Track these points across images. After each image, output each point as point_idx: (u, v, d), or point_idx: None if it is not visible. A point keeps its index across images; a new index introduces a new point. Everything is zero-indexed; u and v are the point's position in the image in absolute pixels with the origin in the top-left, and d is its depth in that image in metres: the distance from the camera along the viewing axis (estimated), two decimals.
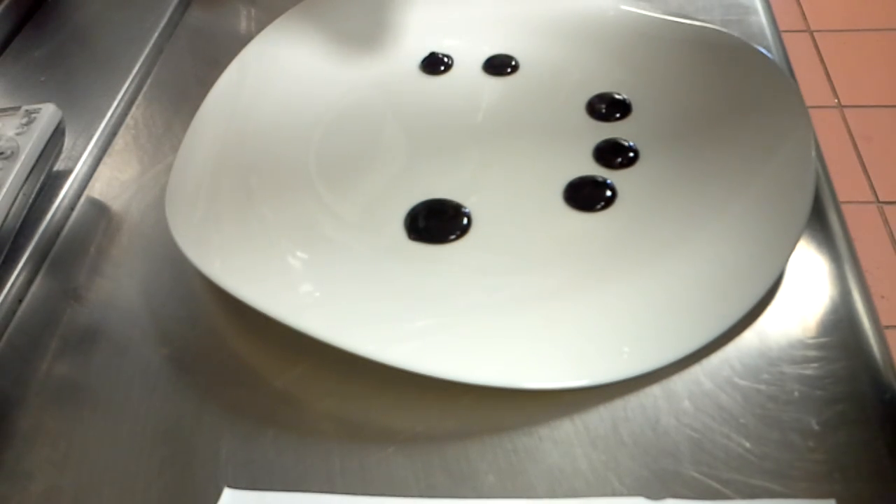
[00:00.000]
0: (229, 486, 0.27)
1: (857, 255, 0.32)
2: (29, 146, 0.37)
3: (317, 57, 0.44)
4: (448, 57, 0.44)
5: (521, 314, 0.30)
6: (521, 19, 0.45)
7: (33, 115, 0.38)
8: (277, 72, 0.43)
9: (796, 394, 0.28)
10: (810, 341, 0.29)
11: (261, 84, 0.42)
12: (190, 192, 0.35)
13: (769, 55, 0.39)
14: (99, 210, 0.38)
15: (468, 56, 0.44)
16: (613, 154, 0.37)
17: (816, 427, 0.27)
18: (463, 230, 0.34)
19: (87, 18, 0.51)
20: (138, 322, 0.33)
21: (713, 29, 0.41)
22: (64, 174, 0.39)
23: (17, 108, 0.39)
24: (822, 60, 1.44)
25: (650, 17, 0.43)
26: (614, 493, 0.26)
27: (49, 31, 0.50)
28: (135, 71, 0.45)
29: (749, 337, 0.29)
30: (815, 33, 1.50)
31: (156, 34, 0.48)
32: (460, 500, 0.26)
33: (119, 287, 0.34)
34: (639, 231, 0.33)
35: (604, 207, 0.35)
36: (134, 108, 0.44)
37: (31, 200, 0.37)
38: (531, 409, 0.28)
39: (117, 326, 0.33)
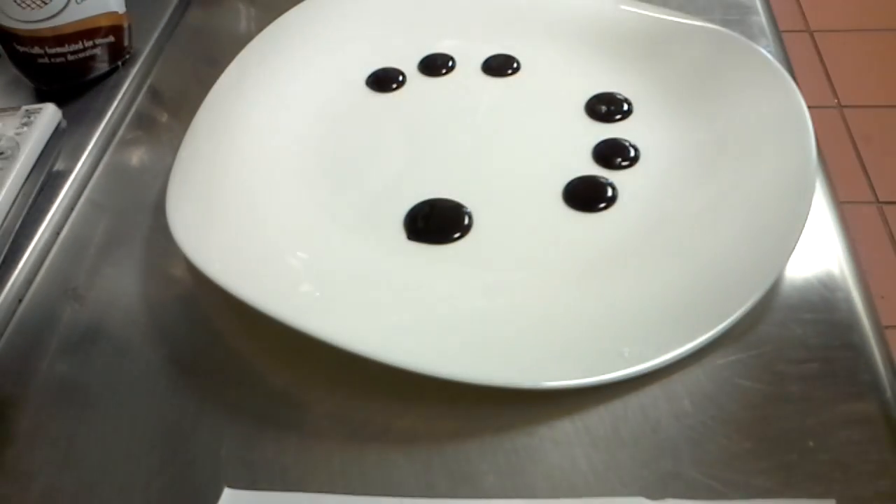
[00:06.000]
0: (229, 486, 0.27)
1: (858, 255, 0.32)
2: (29, 146, 0.37)
3: (317, 57, 0.44)
4: (448, 57, 0.44)
5: (522, 314, 0.30)
6: (521, 19, 0.45)
7: (33, 115, 0.38)
8: (277, 72, 0.43)
9: (796, 394, 0.28)
10: (810, 341, 0.29)
11: (261, 84, 0.42)
12: (190, 192, 0.35)
13: (769, 55, 0.39)
14: (99, 210, 0.38)
15: (468, 56, 0.44)
16: (613, 154, 0.37)
17: (816, 427, 0.27)
18: (464, 231, 0.34)
19: None
20: (138, 322, 0.33)
21: (713, 29, 0.41)
22: (64, 174, 0.39)
23: (17, 108, 0.39)
24: (822, 60, 1.44)
25: (650, 16, 0.43)
26: (614, 493, 0.26)
27: None
28: (135, 71, 0.45)
29: (749, 337, 0.29)
30: (815, 33, 1.50)
31: (156, 34, 0.48)
32: (460, 500, 0.26)
33: (119, 287, 0.34)
34: (639, 231, 0.33)
35: (604, 208, 0.35)
36: (134, 108, 0.44)
37: (31, 200, 0.37)
38: (531, 409, 0.28)
39: (117, 326, 0.33)
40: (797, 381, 0.28)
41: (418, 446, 0.28)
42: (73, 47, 0.42)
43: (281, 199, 0.36)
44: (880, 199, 1.20)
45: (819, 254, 0.32)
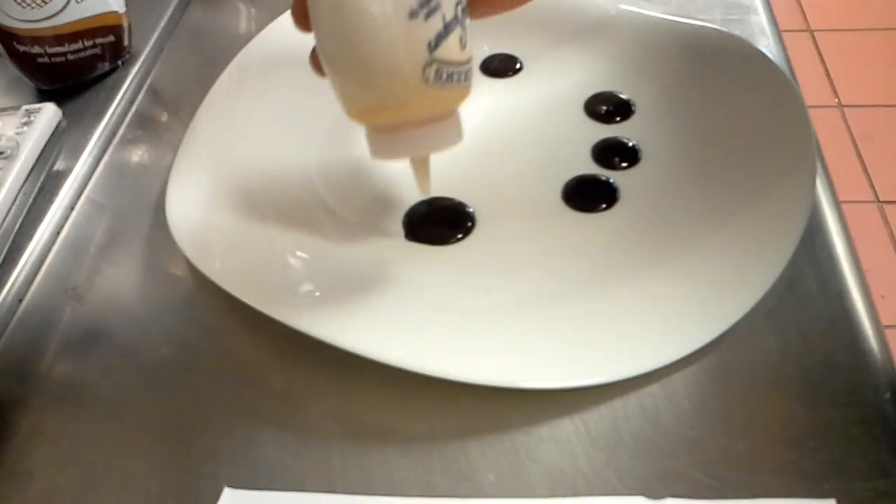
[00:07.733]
0: (229, 486, 0.27)
1: (857, 255, 0.32)
2: (29, 146, 0.37)
3: None
4: None
5: (521, 314, 0.30)
6: (521, 20, 0.45)
7: (33, 115, 0.38)
8: (277, 72, 0.43)
9: (796, 393, 0.28)
10: (810, 341, 0.29)
11: (261, 84, 0.42)
12: (190, 192, 0.35)
13: (769, 55, 0.39)
14: (99, 210, 0.38)
15: None
16: (614, 154, 0.37)
17: (817, 427, 0.27)
18: (466, 231, 0.34)
19: None
20: (138, 322, 0.33)
21: (713, 29, 0.41)
22: (64, 174, 0.39)
23: (17, 108, 0.39)
24: (822, 60, 1.44)
25: (650, 16, 0.43)
26: (614, 493, 0.26)
27: None
28: (135, 71, 0.45)
29: (749, 337, 0.29)
30: (815, 33, 1.50)
31: (156, 34, 0.48)
32: (460, 499, 0.26)
33: (119, 287, 0.34)
34: (639, 231, 0.33)
35: (604, 208, 0.35)
36: (134, 108, 0.44)
37: (31, 200, 0.37)
38: (531, 409, 0.28)
39: (117, 326, 0.33)
40: (797, 381, 0.28)
41: (418, 446, 0.28)
42: (73, 47, 0.42)
43: (280, 198, 0.36)
44: (880, 199, 1.20)
45: (819, 254, 0.32)
